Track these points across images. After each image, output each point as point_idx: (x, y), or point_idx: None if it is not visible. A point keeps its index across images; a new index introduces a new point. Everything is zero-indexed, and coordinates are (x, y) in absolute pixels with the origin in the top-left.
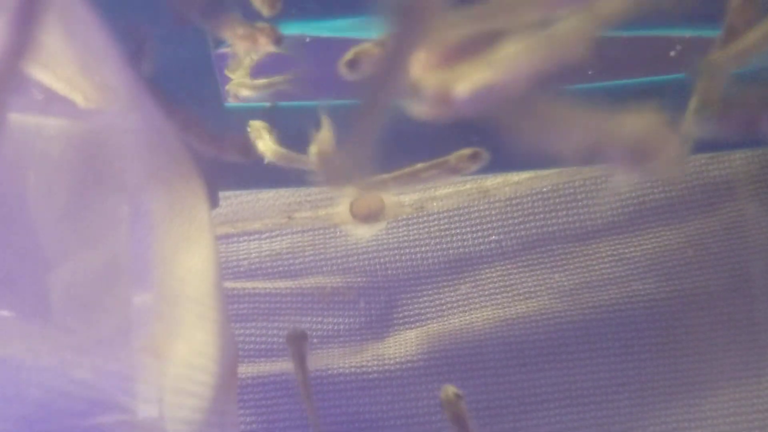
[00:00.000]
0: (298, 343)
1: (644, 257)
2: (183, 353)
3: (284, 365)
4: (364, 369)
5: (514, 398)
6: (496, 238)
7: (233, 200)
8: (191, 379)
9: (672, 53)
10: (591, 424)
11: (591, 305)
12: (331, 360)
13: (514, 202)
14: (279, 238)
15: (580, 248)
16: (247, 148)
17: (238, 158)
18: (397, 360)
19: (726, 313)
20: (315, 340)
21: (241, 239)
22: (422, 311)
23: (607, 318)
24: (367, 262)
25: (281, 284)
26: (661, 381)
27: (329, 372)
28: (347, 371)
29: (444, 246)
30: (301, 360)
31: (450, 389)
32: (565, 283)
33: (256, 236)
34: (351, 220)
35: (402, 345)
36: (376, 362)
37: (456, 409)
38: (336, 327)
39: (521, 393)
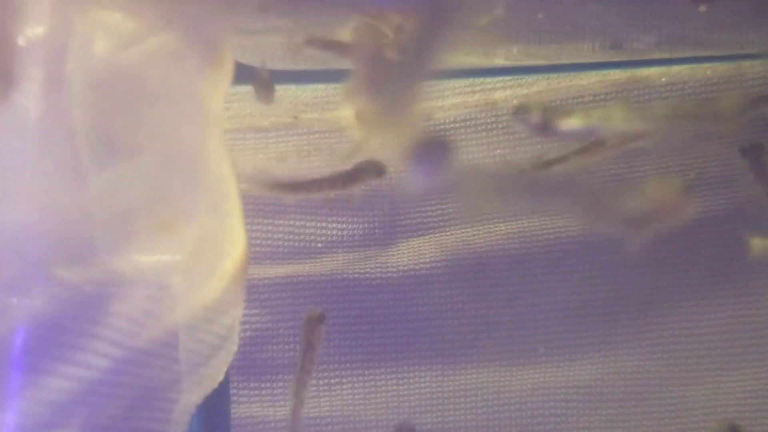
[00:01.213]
0: (313, 328)
1: (646, 178)
2: (195, 237)
3: (289, 268)
4: (368, 275)
5: (512, 308)
6: (501, 151)
7: (241, 96)
8: (201, 263)
9: None
10: (588, 336)
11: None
12: (336, 265)
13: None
14: (285, 139)
15: (583, 167)
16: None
17: None
18: (401, 267)
19: (728, 233)
20: (319, 245)
21: (247, 137)
22: (426, 221)
23: (608, 234)
24: None
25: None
26: (660, 296)
27: (334, 276)
28: (351, 276)
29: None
30: (310, 347)
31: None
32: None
33: (263, 135)
34: (357, 125)
35: (405, 253)
36: (379, 269)
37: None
38: (340, 232)
39: (519, 303)
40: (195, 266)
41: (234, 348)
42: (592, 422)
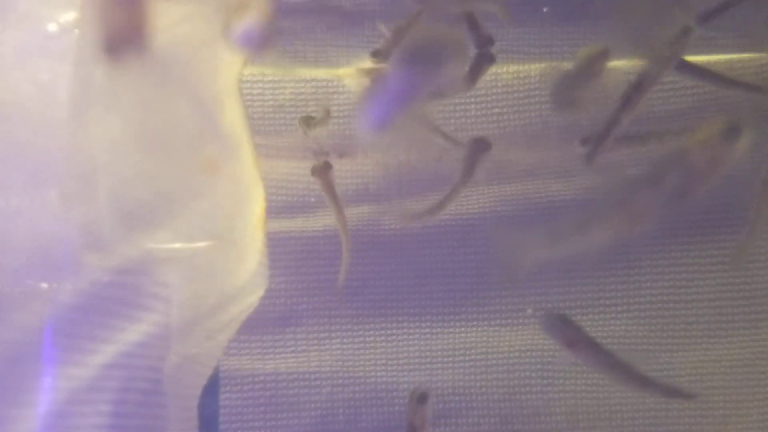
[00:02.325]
0: (325, 173)
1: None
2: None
3: (282, 223)
4: (359, 231)
5: (501, 270)
6: (499, 110)
7: None
8: (235, 207)
9: None
10: (576, 300)
11: (587, 187)
12: (327, 221)
13: (521, 75)
14: (282, 87)
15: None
16: None
17: None
18: (392, 225)
19: (718, 199)
20: (312, 200)
21: (244, 84)
22: (419, 181)
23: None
24: None
25: (283, 139)
26: (649, 262)
27: (326, 232)
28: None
29: (445, 122)
30: (330, 189)
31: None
32: (563, 164)
33: (259, 82)
34: (355, 74)
35: (397, 212)
36: (371, 226)
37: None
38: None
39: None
40: (227, 212)
41: (260, 294)
42: (578, 385)
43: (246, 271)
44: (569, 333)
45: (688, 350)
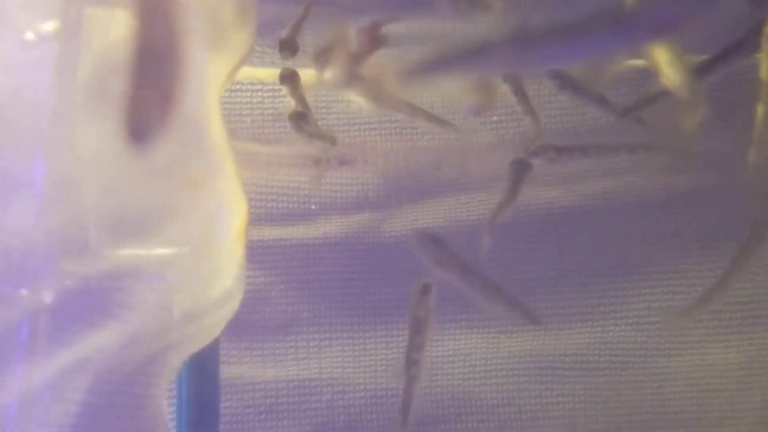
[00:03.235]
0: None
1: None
2: (207, 196)
3: (283, 230)
4: (360, 238)
5: (502, 277)
6: (497, 118)
7: None
8: (214, 222)
9: None
10: (575, 306)
11: (586, 194)
12: (329, 228)
13: None
14: (281, 95)
15: None
16: None
17: None
18: (393, 232)
19: (717, 205)
20: (313, 207)
21: (243, 93)
22: (420, 187)
23: (598, 204)
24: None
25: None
26: (648, 268)
27: (327, 239)
28: (344, 239)
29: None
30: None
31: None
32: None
33: (259, 90)
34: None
35: (398, 218)
36: (372, 233)
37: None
38: (334, 195)
39: (510, 272)
40: (205, 227)
41: (235, 307)
42: (577, 390)
43: (221, 284)
44: (440, 253)
45: (684, 354)
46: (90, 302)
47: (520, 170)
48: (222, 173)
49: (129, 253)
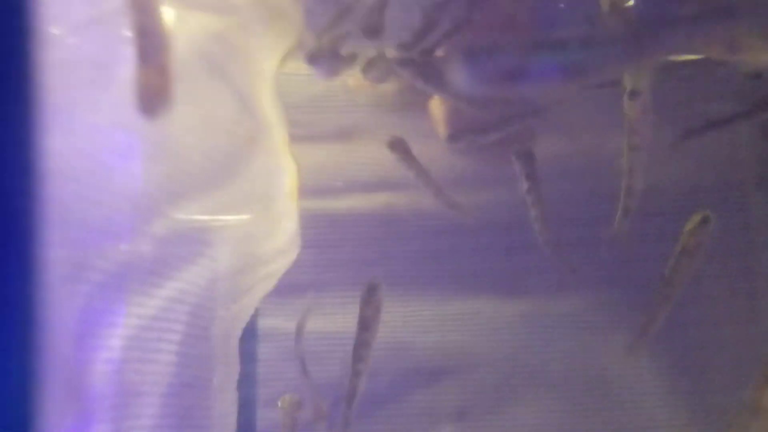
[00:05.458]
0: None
1: None
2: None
3: (311, 203)
4: (379, 212)
5: (508, 254)
6: None
7: None
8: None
9: None
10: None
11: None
12: (352, 203)
13: None
14: (314, 82)
15: None
16: None
17: None
18: (406, 211)
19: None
20: (339, 184)
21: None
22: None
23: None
24: None
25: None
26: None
27: (351, 211)
28: (365, 212)
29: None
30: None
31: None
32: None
33: (294, 76)
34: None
35: (416, 197)
36: (388, 211)
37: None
38: (356, 174)
39: (515, 247)
40: (264, 180)
41: (292, 258)
42: (575, 348)
43: (279, 237)
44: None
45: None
46: (176, 252)
47: (527, 161)
48: (272, 137)
49: (202, 213)
